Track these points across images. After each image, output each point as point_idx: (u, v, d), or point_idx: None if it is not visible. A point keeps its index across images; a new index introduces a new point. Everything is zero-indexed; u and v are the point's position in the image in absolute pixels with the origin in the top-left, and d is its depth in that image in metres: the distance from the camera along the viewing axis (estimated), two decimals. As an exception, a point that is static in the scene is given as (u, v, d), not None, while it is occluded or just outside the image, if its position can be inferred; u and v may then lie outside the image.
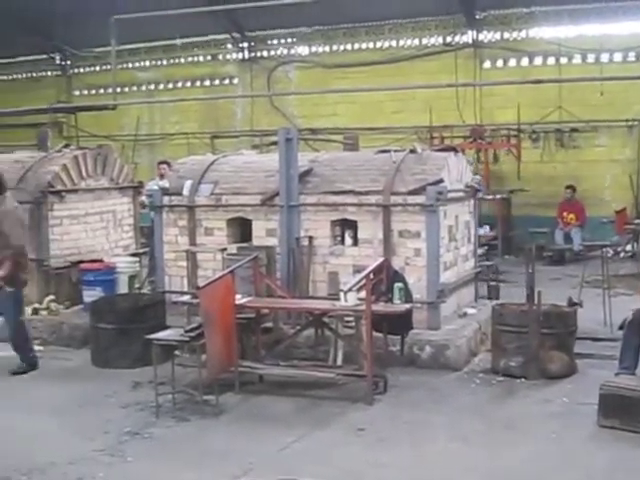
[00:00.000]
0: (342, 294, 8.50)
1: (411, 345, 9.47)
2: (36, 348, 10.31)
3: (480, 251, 12.86)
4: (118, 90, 18.15)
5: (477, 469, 6.62)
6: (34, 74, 26.80)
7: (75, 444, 7.26)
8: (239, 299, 8.84)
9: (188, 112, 23.25)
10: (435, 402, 8.39)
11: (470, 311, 10.92)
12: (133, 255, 13.32)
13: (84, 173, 12.71)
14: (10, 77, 27.29)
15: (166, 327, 9.26)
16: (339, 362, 9.23)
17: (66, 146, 13.98)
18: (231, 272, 8.73)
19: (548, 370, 9.06)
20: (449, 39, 21.22)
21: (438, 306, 10.05)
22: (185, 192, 11.26)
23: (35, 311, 11.56)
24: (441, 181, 10.10)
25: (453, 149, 11.47)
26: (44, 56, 26.19)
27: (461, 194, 11.07)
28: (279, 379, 9.01)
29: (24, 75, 27.08)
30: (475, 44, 20.89)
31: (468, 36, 21.04)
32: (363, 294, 8.37)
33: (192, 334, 8.29)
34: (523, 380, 8.99)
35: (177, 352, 8.92)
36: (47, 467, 6.73)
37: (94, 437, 7.44)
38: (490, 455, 6.92)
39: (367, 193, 10.27)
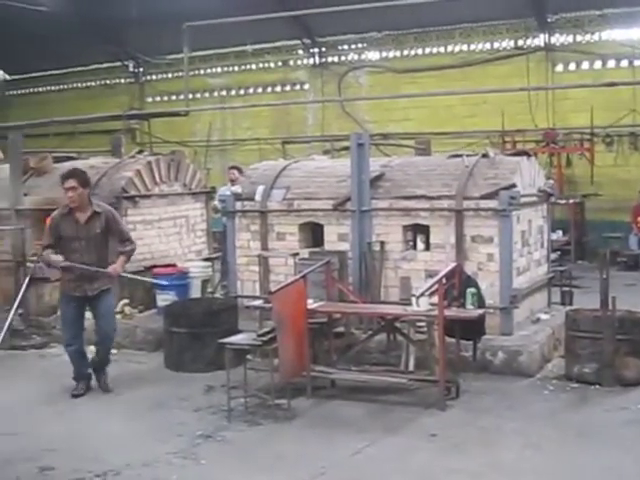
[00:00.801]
0: (414, 299, 8.48)
1: (483, 351, 9.40)
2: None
3: (553, 256, 12.71)
4: (190, 96, 18.30)
5: (551, 476, 6.54)
6: (108, 82, 27.24)
7: (149, 446, 7.34)
8: (311, 304, 8.87)
9: (259, 118, 23.41)
10: (508, 408, 8.32)
11: (543, 317, 10.81)
12: (206, 260, 13.44)
13: (157, 179, 12.87)
14: (84, 85, 27.78)
15: (238, 331, 9.34)
16: (411, 367, 9.20)
17: (140, 152, 14.17)
18: (303, 277, 8.76)
19: (623, 377, 8.92)
20: (520, 42, 21.07)
21: (511, 311, 9.95)
22: (257, 197, 11.34)
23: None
24: (514, 185, 10.03)
25: (526, 153, 11.37)
26: (117, 64, 26.64)
27: (534, 199, 10.97)
28: (351, 384, 9.01)
29: (98, 82, 27.54)
30: (547, 47, 20.70)
31: (540, 39, 20.87)
32: (435, 299, 8.34)
33: (264, 338, 8.33)
34: (597, 387, 8.88)
35: (249, 356, 8.98)
36: (121, 469, 6.81)
37: (167, 440, 7.52)
38: (563, 463, 6.84)
39: (439, 198, 10.23)
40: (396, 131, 20.26)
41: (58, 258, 8.84)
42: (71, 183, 8.78)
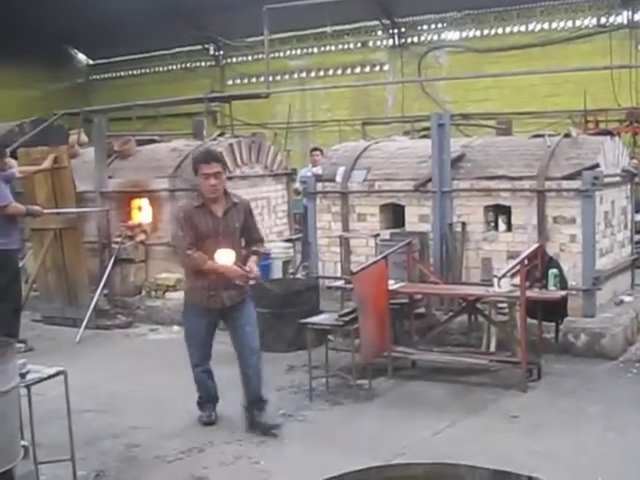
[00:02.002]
0: (496, 280, 8.44)
1: (566, 333, 9.32)
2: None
3: (637, 237, 12.50)
4: (270, 79, 18.42)
5: (634, 460, 6.47)
6: (189, 65, 27.48)
7: (232, 425, 7.44)
8: (392, 284, 8.88)
9: (339, 99, 23.41)
10: (590, 391, 8.24)
11: (627, 299, 10.66)
12: (287, 241, 13.53)
13: (239, 161, 12.99)
14: (166, 69, 28.08)
15: (320, 312, 9.39)
16: (492, 349, 9.17)
17: (221, 134, 14.32)
18: (385, 258, 8.78)
19: None
20: (603, 20, 20.65)
21: (594, 293, 9.84)
22: (338, 178, 11.37)
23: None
24: (597, 166, 9.89)
25: (609, 133, 11.20)
26: (198, 47, 26.86)
27: (617, 179, 10.81)
28: (432, 365, 9.02)
29: (179, 66, 27.81)
30: (630, 25, 20.26)
31: (623, 17, 20.43)
32: (517, 280, 8.30)
33: (346, 319, 8.38)
34: (682, 370, 8.76)
35: (331, 336, 9.03)
36: (205, 446, 6.93)
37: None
38: (647, 446, 6.76)
39: (521, 178, 10.14)
40: (476, 111, 20.12)
41: (237, 270, 7.11)
42: (216, 167, 7.03)
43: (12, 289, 10.38)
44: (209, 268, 7.06)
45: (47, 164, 11.40)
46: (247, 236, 7.37)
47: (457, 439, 6.99)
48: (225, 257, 6.98)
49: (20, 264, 11.28)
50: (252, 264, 7.25)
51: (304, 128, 24.36)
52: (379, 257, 8.91)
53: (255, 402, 7.34)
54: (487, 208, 10.41)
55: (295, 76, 24.89)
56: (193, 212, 7.13)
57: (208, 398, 7.68)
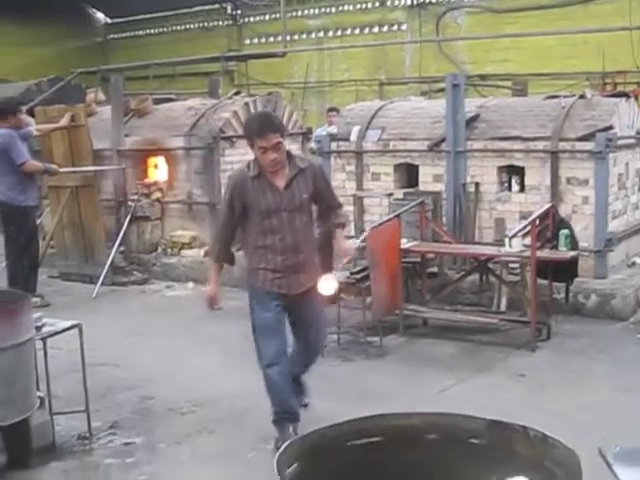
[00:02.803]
0: (507, 240, 8.51)
1: (576, 293, 9.38)
2: (204, 289, 10.72)
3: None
4: (287, 38, 18.41)
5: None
6: (206, 24, 27.38)
7: (243, 378, 7.55)
8: (404, 243, 8.95)
9: (357, 59, 23.31)
10: (599, 351, 8.31)
11: (639, 260, 10.69)
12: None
13: (254, 120, 13.02)
14: (183, 27, 28.00)
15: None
16: (503, 308, 9.26)
17: (237, 93, 14.35)
18: (397, 216, 8.85)
19: None
20: (624, -19, 20.45)
21: (605, 255, 9.88)
22: (353, 138, 11.42)
23: (207, 253, 11.98)
24: (611, 127, 9.90)
25: (624, 95, 11.19)
26: (216, 6, 26.77)
27: (632, 141, 10.80)
28: (443, 323, 9.12)
29: (197, 25, 27.71)
30: (652, -15, 20.07)
31: (644, -23, 20.22)
32: (528, 240, 8.36)
33: (358, 276, 8.47)
34: (692, 332, 8.82)
35: (343, 294, 9.13)
36: (216, 399, 7.07)
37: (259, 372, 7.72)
38: (654, 406, 6.84)
39: (535, 139, 10.16)
40: (495, 72, 20.01)
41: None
42: (275, 138, 5.69)
43: (30, 245, 10.53)
44: (212, 285, 6.20)
45: (64, 122, 11.49)
46: (322, 205, 6.18)
47: (464, 396, 7.08)
48: (327, 286, 6.15)
49: (37, 221, 11.42)
50: (340, 243, 6.28)
51: (321, 88, 24.31)
52: (391, 216, 8.98)
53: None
54: (501, 168, 10.44)
55: (313, 36, 24.78)
56: (247, 184, 5.80)
57: (286, 413, 6.13)
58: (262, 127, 5.71)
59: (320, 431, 3.06)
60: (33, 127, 11.26)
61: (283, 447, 2.87)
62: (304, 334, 6.23)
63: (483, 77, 19.50)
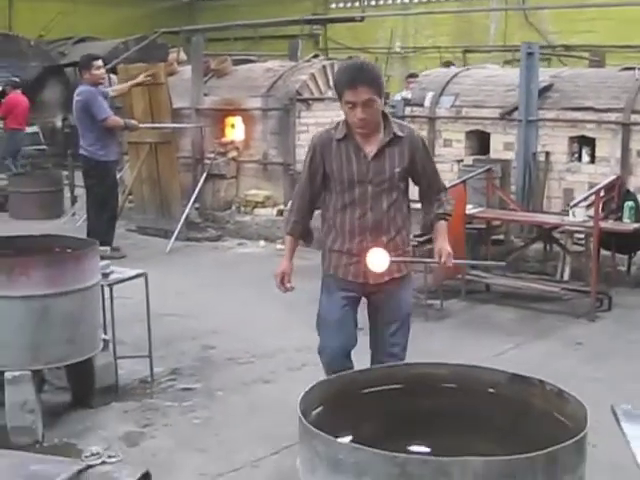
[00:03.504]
0: (570, 209, 8.56)
1: (639, 266, 9.38)
2: (278, 247, 10.98)
3: None
4: (373, 3, 18.47)
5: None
6: (294, -14, 27.48)
7: (303, 334, 7.75)
8: (470, 209, 9.05)
9: (441, 26, 23.19)
10: (659, 324, 8.33)
11: None
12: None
13: (331, 83, 13.18)
14: (272, -11, 28.14)
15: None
16: (566, 277, 9.29)
17: (315, 56, 14.52)
18: (463, 182, 8.96)
19: None
20: None
21: (673, 228, 9.84)
22: (426, 103, 11.52)
23: (280, 212, 12.24)
24: (686, 100, 9.82)
25: None
26: (305, -32, 26.85)
27: None
28: (505, 289, 9.20)
29: (285, -13, 27.83)
30: None
31: None
32: (592, 211, 8.39)
33: (420, 239, 8.59)
34: None
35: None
36: (275, 352, 7.30)
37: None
38: None
39: (607, 110, 10.13)
40: (579, 43, 19.76)
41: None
42: (365, 93, 4.58)
43: (110, 199, 10.88)
44: (283, 261, 5.15)
45: (140, 78, 11.75)
46: (420, 185, 5.04)
47: (519, 360, 7.16)
48: (378, 262, 4.62)
49: (117, 176, 11.78)
50: (440, 242, 4.91)
51: (405, 54, 24.29)
52: (457, 181, 9.08)
53: None
54: (572, 139, 10.44)
55: (398, 1, 24.73)
56: (330, 147, 4.83)
57: None
58: (352, 77, 4.61)
59: (347, 376, 3.26)
60: (110, 89, 11.60)
61: (309, 388, 3.07)
62: (381, 337, 5.12)
63: (567, 47, 19.28)
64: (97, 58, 10.80)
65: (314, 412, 2.99)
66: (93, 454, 3.05)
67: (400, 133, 4.84)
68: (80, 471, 2.94)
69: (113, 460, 3.03)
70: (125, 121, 10.93)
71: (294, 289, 5.17)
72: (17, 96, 17.62)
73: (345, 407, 3.12)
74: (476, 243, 9.54)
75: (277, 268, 5.13)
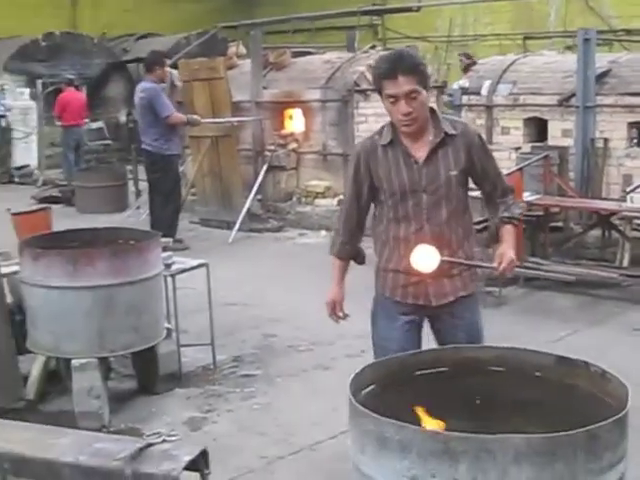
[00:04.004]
0: (628, 195, 8.56)
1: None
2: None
3: None
4: (432, -8, 18.41)
5: None
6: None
7: (362, 323, 7.87)
8: (527, 196, 9.08)
9: (500, 13, 23.08)
10: None
11: None
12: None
13: (389, 73, 13.26)
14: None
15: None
16: (625, 263, 9.27)
17: (373, 47, 14.60)
18: (520, 169, 9.00)
19: None
20: None
21: None
22: (484, 92, 11.56)
23: (340, 202, 12.35)
24: None
25: None
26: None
27: None
28: (564, 276, 9.22)
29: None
30: None
31: None
32: (650, 196, 8.39)
33: (478, 227, 8.59)
34: None
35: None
36: (335, 339, 7.42)
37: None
38: None
39: (666, 95, 10.11)
40: (641, 27, 19.56)
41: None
42: (408, 84, 4.02)
43: (174, 192, 11.11)
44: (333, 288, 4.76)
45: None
46: (482, 188, 4.40)
47: (576, 346, 7.20)
48: (425, 260, 3.94)
49: (180, 169, 12.01)
50: (504, 247, 4.24)
51: (465, 42, 24.20)
52: (514, 169, 9.13)
53: None
54: (630, 125, 10.41)
55: (456, -11, 24.67)
56: (376, 155, 4.27)
57: None
58: (392, 67, 4.03)
59: (397, 358, 3.38)
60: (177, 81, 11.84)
61: (359, 370, 3.20)
62: None
63: (629, 32, 19.09)
64: (168, 56, 11.04)
65: (364, 392, 3.11)
66: (154, 433, 3.22)
67: (452, 131, 4.22)
68: (141, 448, 3.10)
69: (173, 439, 3.17)
70: (188, 117, 11.16)
71: (348, 317, 4.79)
72: (70, 93, 17.98)
73: (394, 388, 3.23)
74: (534, 230, 9.57)
75: (327, 295, 4.71)
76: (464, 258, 4.28)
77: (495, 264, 4.16)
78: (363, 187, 4.35)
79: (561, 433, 2.64)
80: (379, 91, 4.14)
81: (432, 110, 4.26)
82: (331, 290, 4.72)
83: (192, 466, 3.20)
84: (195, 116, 11.39)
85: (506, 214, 4.35)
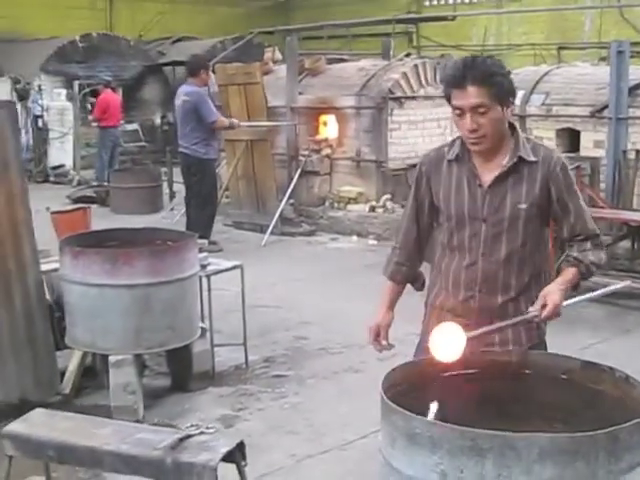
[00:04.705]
0: (657, 206, 8.61)
1: None
2: (370, 242, 11.24)
3: None
4: (467, 1, 18.53)
5: None
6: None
7: (395, 326, 7.98)
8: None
9: (535, 23, 23.16)
10: None
11: None
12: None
13: (423, 81, 13.37)
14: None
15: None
16: (654, 275, 9.32)
17: (407, 55, 14.72)
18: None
19: None
20: None
21: None
22: (517, 102, 11.62)
23: (372, 209, 12.50)
24: None
25: None
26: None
27: None
28: (592, 286, 9.22)
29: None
30: None
31: None
32: (681, 208, 8.42)
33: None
34: None
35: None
36: (366, 343, 7.51)
37: (414, 321, 8.13)
38: None
39: (699, 108, 10.14)
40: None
41: None
42: (478, 96, 3.48)
43: (211, 196, 11.26)
44: (379, 312, 4.14)
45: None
46: (561, 229, 3.74)
47: (603, 355, 7.26)
48: (447, 345, 3.22)
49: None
50: (552, 286, 3.63)
51: (499, 51, 24.21)
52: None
53: None
54: (663, 137, 10.48)
55: (492, -1, 24.75)
56: (440, 169, 3.78)
57: None
58: (460, 74, 3.50)
59: (427, 360, 3.48)
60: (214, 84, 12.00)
61: (392, 369, 3.31)
62: None
63: (663, 43, 19.05)
64: (210, 60, 11.18)
65: (395, 390, 3.22)
66: (192, 425, 3.35)
67: (531, 157, 3.61)
68: (181, 439, 3.24)
69: (211, 431, 3.31)
70: (230, 121, 11.33)
71: (393, 347, 4.24)
72: (108, 95, 18.21)
73: (424, 388, 3.34)
74: (559, 240, 9.61)
75: (372, 319, 4.13)
76: (529, 306, 3.63)
77: (537, 308, 3.55)
78: (424, 204, 3.86)
79: (584, 433, 2.74)
80: (447, 100, 3.63)
81: (513, 127, 3.69)
82: (378, 314, 4.12)
83: (229, 458, 3.33)
84: (235, 120, 11.56)
85: (576, 254, 3.69)
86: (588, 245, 3.71)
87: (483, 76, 3.46)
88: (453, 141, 3.79)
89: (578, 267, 3.68)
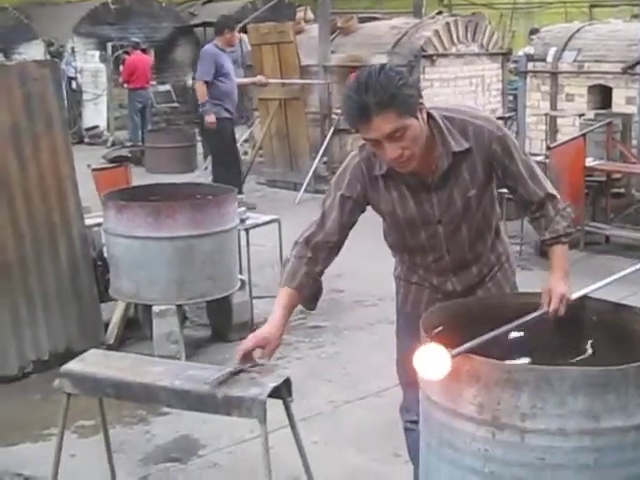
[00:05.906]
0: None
1: None
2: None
3: None
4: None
5: None
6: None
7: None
8: (590, 162, 9.24)
9: (567, -21, 23.04)
10: None
11: None
12: (499, 118, 13.92)
13: (455, 39, 13.39)
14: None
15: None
16: (687, 228, 9.37)
17: (439, 13, 14.72)
18: (583, 135, 9.16)
19: None
20: None
21: None
22: (549, 59, 11.68)
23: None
24: None
25: None
26: None
27: None
28: (625, 241, 9.36)
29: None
30: None
31: None
32: None
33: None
34: None
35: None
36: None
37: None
38: None
39: None
40: None
41: None
42: (386, 122, 3.03)
43: (225, 154, 11.10)
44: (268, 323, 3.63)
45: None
46: (516, 198, 3.59)
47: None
48: (432, 365, 2.95)
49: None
50: (553, 280, 3.60)
51: (530, 9, 24.17)
52: (577, 134, 9.28)
53: None
54: (696, 92, 10.50)
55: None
56: (376, 187, 3.50)
57: None
58: (360, 106, 3.04)
59: (464, 302, 3.63)
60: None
61: (430, 311, 3.46)
62: None
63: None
64: (239, 21, 11.23)
65: (434, 331, 3.36)
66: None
67: (463, 145, 3.31)
68: (233, 373, 3.42)
69: (259, 368, 3.49)
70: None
71: (264, 365, 3.61)
72: (137, 57, 18.34)
73: (462, 328, 3.47)
74: (597, 195, 9.72)
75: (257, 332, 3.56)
76: (495, 260, 3.79)
77: (544, 307, 3.44)
78: (353, 207, 3.65)
79: (615, 367, 2.88)
80: (356, 131, 3.20)
81: (434, 123, 3.26)
82: (264, 327, 3.59)
83: (275, 394, 3.51)
84: (262, 77, 11.66)
85: (548, 235, 3.56)
86: (551, 210, 3.52)
87: (384, 100, 3.00)
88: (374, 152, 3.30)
89: (559, 242, 3.58)
